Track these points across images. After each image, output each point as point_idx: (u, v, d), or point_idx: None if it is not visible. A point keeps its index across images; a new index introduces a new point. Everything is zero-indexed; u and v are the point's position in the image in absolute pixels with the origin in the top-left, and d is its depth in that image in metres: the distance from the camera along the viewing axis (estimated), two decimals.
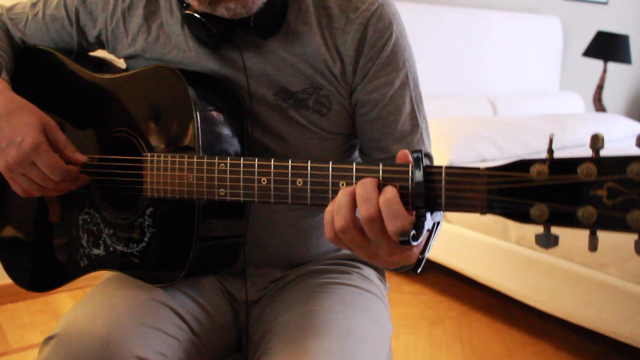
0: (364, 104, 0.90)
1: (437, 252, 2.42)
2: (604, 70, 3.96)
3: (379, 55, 0.88)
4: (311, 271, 0.97)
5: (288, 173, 0.69)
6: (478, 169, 0.60)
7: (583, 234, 1.94)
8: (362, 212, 0.62)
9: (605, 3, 4.28)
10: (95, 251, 0.94)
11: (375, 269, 1.04)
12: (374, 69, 0.89)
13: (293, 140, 0.91)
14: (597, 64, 4.10)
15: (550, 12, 3.85)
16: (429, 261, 2.50)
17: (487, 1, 3.54)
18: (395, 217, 0.61)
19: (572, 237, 1.90)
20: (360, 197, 0.63)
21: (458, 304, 2.41)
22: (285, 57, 0.89)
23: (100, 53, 1.07)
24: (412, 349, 2.05)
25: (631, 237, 0.53)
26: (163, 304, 0.86)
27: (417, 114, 0.93)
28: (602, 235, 2.03)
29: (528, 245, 2.07)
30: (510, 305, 2.35)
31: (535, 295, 2.04)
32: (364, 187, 0.63)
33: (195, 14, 0.86)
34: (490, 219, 2.18)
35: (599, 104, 4.00)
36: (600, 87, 3.99)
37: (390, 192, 0.62)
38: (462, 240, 2.32)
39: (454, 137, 2.54)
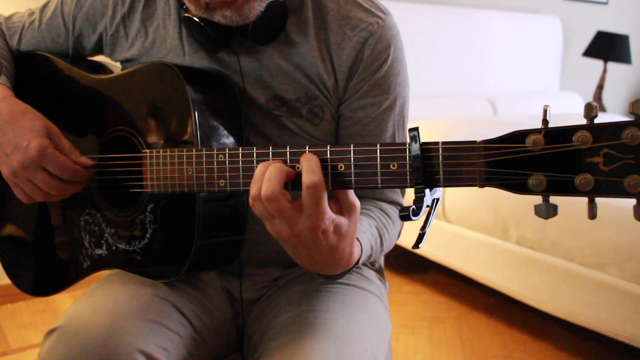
0: (346, 119, 0.91)
1: (437, 252, 2.42)
2: (604, 70, 3.96)
3: (372, 76, 0.88)
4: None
5: (287, 160, 0.69)
6: (475, 142, 0.60)
7: (582, 235, 1.94)
8: (262, 191, 0.65)
9: (605, 3, 4.28)
10: (98, 251, 0.94)
11: (375, 268, 1.04)
12: (364, 89, 0.89)
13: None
14: (597, 64, 4.10)
15: (550, 12, 3.85)
16: (428, 261, 2.50)
17: (487, 1, 3.54)
18: (312, 172, 0.64)
19: (572, 237, 1.90)
20: (265, 176, 0.65)
21: (458, 304, 2.41)
22: (282, 64, 0.89)
23: (96, 57, 1.07)
24: (412, 349, 2.05)
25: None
26: (165, 300, 0.86)
27: (396, 140, 0.93)
28: (602, 235, 2.04)
29: (528, 245, 2.07)
30: (510, 305, 2.35)
31: (535, 295, 2.04)
32: (271, 168, 0.66)
33: (194, 17, 0.86)
34: (490, 219, 2.18)
35: (599, 104, 4.00)
36: (600, 87, 3.99)
37: (312, 155, 0.66)
38: (462, 240, 2.32)
39: (454, 137, 2.54)
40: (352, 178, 0.66)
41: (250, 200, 0.67)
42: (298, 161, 0.68)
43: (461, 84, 3.33)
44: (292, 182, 0.68)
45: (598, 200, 0.57)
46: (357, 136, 0.91)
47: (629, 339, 1.76)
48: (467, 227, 2.32)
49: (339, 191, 0.68)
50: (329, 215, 0.65)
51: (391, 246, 0.93)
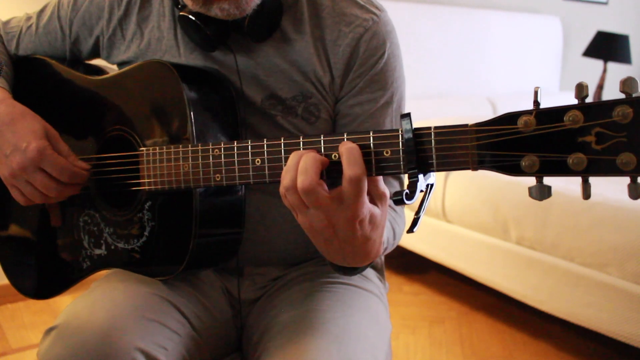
0: (344, 116, 0.91)
1: (437, 252, 2.42)
2: (604, 70, 3.96)
3: (368, 72, 0.88)
4: (310, 270, 0.97)
5: (281, 150, 0.69)
6: (466, 125, 0.60)
7: (582, 235, 1.94)
8: (299, 183, 0.63)
9: (605, 3, 4.28)
10: (97, 251, 0.94)
11: (375, 268, 1.04)
12: (361, 85, 0.89)
13: None
14: (597, 64, 4.10)
15: (550, 12, 3.85)
16: (429, 261, 2.50)
17: (487, 1, 3.54)
18: (355, 163, 0.62)
19: (572, 237, 1.90)
20: (300, 167, 0.63)
21: (458, 304, 2.41)
22: (277, 62, 0.89)
23: (93, 60, 1.07)
24: (412, 349, 2.05)
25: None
26: (164, 298, 0.86)
27: None
28: (602, 235, 2.03)
29: (528, 245, 2.07)
30: (510, 305, 2.35)
31: (535, 295, 2.04)
32: (307, 158, 0.63)
33: (190, 16, 0.86)
34: (490, 219, 2.18)
35: None
36: (600, 87, 3.99)
37: (351, 143, 0.63)
38: (462, 240, 2.32)
39: None
40: None
41: (282, 190, 0.65)
42: (294, 150, 0.67)
43: (461, 84, 3.33)
44: (327, 171, 0.66)
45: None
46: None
47: (629, 339, 1.76)
48: (467, 227, 2.32)
49: (369, 181, 0.66)
50: (367, 204, 0.64)
51: (400, 239, 0.93)
